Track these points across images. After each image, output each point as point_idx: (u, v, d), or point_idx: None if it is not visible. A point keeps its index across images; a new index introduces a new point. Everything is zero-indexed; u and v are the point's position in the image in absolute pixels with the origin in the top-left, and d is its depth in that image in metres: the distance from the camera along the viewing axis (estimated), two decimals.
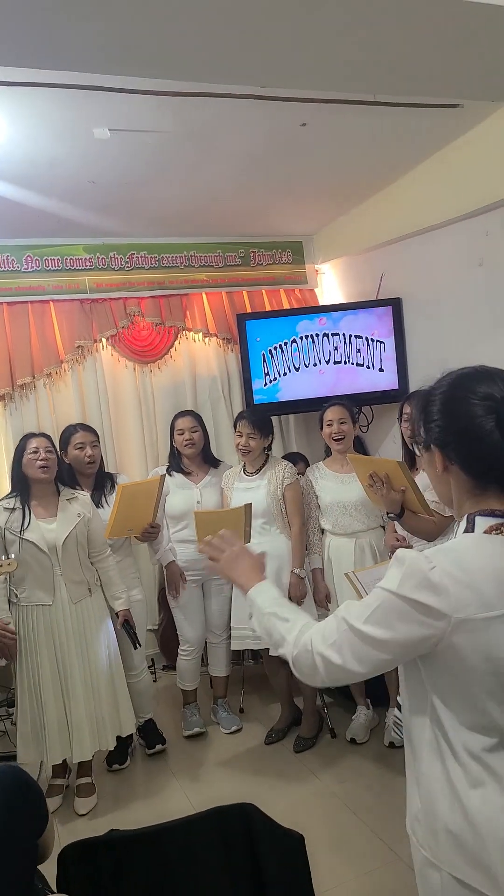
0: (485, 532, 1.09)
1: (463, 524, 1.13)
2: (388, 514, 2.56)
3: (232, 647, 3.23)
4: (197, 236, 4.27)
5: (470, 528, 1.11)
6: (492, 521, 1.09)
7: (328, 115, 2.81)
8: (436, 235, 3.56)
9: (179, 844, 1.25)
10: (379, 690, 3.18)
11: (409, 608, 1.05)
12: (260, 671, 3.80)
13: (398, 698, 2.51)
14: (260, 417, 3.18)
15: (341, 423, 3.01)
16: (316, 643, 1.14)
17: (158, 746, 3.17)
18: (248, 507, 2.85)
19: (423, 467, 1.25)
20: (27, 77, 2.25)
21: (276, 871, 1.29)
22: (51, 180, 3.12)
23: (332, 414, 3.03)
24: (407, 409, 2.72)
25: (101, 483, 3.10)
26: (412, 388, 3.96)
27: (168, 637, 3.92)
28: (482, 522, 1.10)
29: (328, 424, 3.03)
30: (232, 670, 3.52)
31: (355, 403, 3.28)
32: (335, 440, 3.02)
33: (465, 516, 1.13)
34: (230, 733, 3.32)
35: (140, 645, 2.94)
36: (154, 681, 3.76)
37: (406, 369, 4.01)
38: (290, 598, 2.99)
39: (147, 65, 2.13)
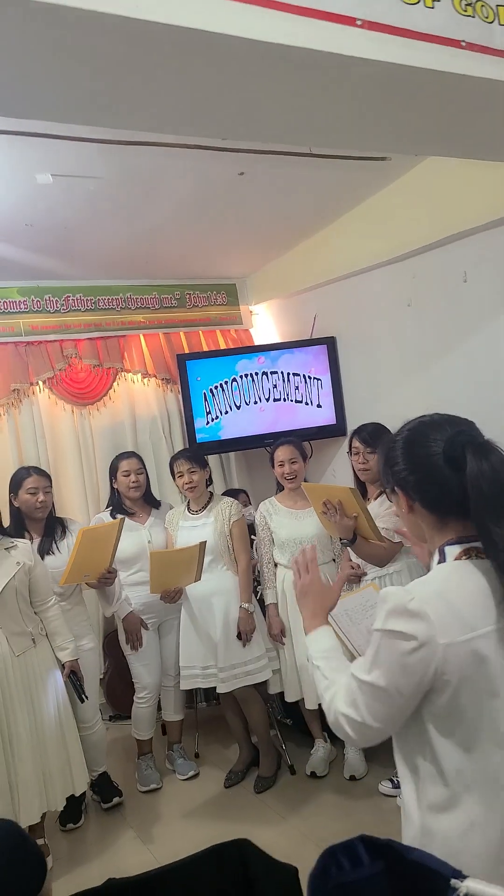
0: (455, 559, 1.16)
1: (436, 556, 1.20)
2: (341, 540, 2.62)
3: (182, 687, 3.17)
4: (133, 279, 4.32)
5: (442, 559, 1.18)
6: (458, 549, 1.17)
7: (265, 165, 2.95)
8: (366, 278, 3.76)
9: (181, 887, 1.22)
10: None
11: (397, 641, 1.09)
12: (213, 713, 3.74)
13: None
14: (193, 452, 3.23)
15: (292, 462, 3.07)
16: (338, 705, 1.17)
17: (115, 799, 3.04)
18: (203, 545, 2.85)
19: (395, 510, 1.32)
20: None
21: None
22: None
23: (282, 454, 3.09)
24: (356, 443, 2.83)
25: (52, 529, 3.01)
26: (349, 422, 4.11)
27: (113, 686, 3.80)
28: (451, 551, 1.17)
29: (279, 465, 3.09)
30: (185, 714, 3.45)
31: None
32: (287, 479, 3.09)
33: (437, 549, 1.20)
34: (187, 779, 3.24)
35: (87, 698, 2.81)
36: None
37: (343, 405, 4.15)
38: (238, 633, 2.99)
39: (92, 114, 2.17)
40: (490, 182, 2.85)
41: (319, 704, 2.95)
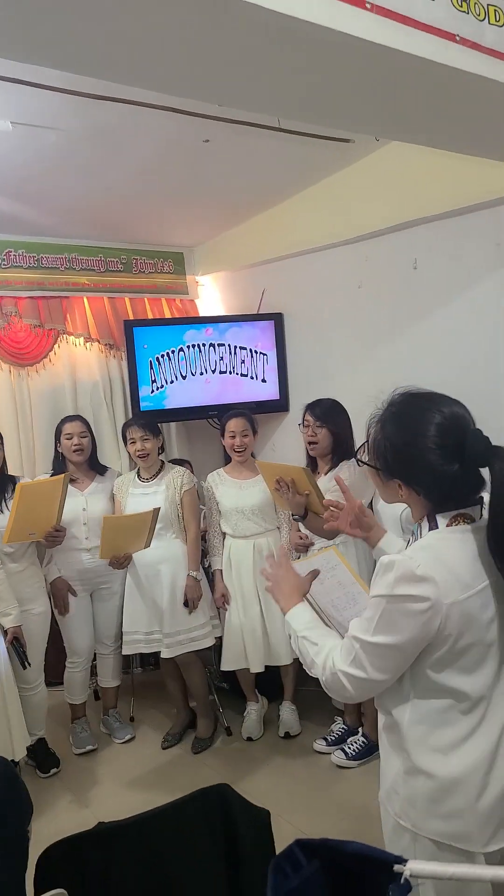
0: (447, 526, 1.26)
1: (426, 524, 1.28)
2: (293, 515, 2.71)
3: (124, 653, 3.20)
4: (78, 238, 4.19)
5: (434, 526, 1.27)
6: (448, 517, 1.26)
7: (231, 134, 2.94)
8: (318, 257, 3.82)
9: (169, 829, 1.27)
10: (270, 685, 3.32)
11: (407, 605, 1.18)
12: (148, 679, 3.79)
13: None
14: (147, 420, 3.23)
15: (244, 435, 3.13)
16: (338, 664, 1.25)
17: (53, 770, 3.04)
18: (156, 511, 2.87)
19: (376, 486, 1.37)
20: None
21: (249, 845, 1.35)
22: None
23: (234, 426, 3.13)
24: (307, 417, 2.91)
25: (3, 487, 2.94)
26: (292, 398, 4.20)
27: (46, 652, 3.76)
28: (442, 519, 1.26)
29: (231, 436, 3.13)
30: (121, 680, 3.47)
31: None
32: (237, 451, 3.13)
33: (426, 516, 1.28)
34: (123, 742, 3.28)
35: (29, 664, 2.79)
36: None
37: (287, 381, 4.22)
38: (185, 600, 3.04)
39: (61, 58, 2.05)
40: (448, 173, 2.96)
41: (267, 667, 3.09)
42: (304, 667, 1.37)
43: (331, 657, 1.27)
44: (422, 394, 1.30)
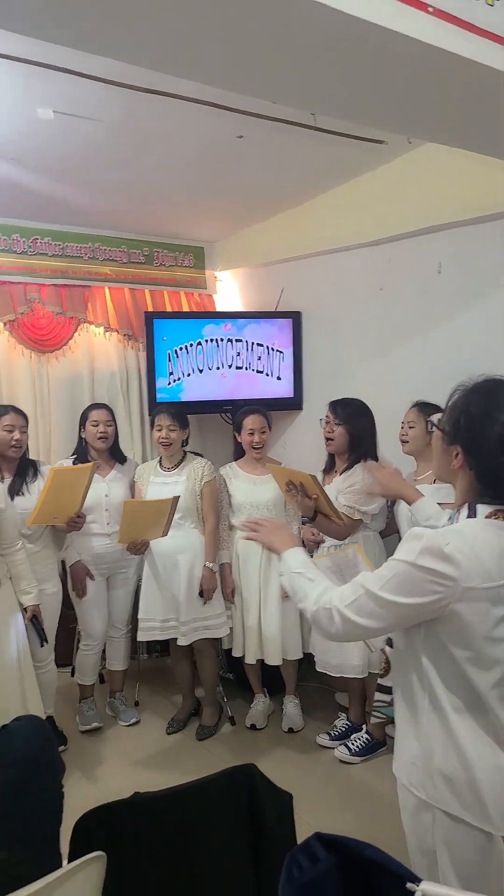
0: (486, 517, 1.30)
1: (465, 511, 1.33)
2: (302, 517, 2.76)
3: (139, 639, 3.24)
4: (102, 229, 4.23)
5: (472, 514, 1.32)
6: (490, 508, 1.31)
7: (266, 131, 2.98)
8: (340, 257, 3.86)
9: (198, 803, 1.31)
10: (275, 680, 3.37)
11: (424, 576, 1.22)
12: (154, 665, 3.83)
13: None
14: (178, 410, 3.25)
15: (262, 432, 3.18)
16: (335, 602, 1.30)
17: (61, 748, 3.07)
18: (176, 499, 2.91)
19: (433, 446, 1.43)
20: None
21: (272, 825, 1.39)
22: None
23: (252, 423, 3.18)
24: (329, 414, 2.95)
25: (24, 470, 2.98)
26: (306, 397, 4.25)
27: (56, 634, 3.80)
28: (482, 510, 1.31)
29: (249, 433, 3.17)
30: (128, 664, 3.52)
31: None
32: (255, 448, 3.17)
33: (467, 504, 1.33)
34: (129, 725, 3.32)
35: (47, 642, 2.85)
36: None
37: (301, 379, 4.27)
38: (200, 592, 3.08)
39: (108, 45, 2.07)
40: (476, 179, 3.00)
41: (260, 661, 3.14)
42: (293, 600, 1.42)
43: (328, 594, 1.33)
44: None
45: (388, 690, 2.66)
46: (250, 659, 3.20)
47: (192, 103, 2.68)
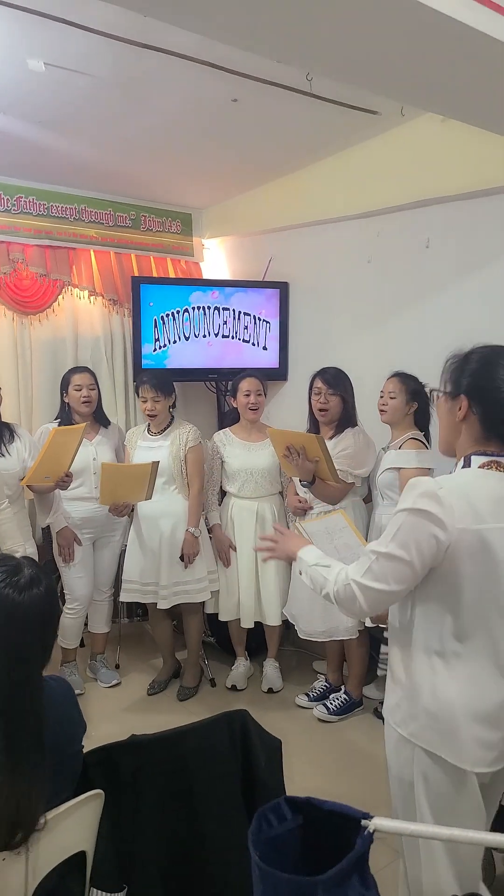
0: (479, 467, 1.36)
1: (461, 463, 1.39)
2: (301, 482, 2.80)
3: (121, 599, 3.29)
4: (88, 190, 4.16)
5: (467, 465, 1.38)
6: (484, 459, 1.37)
7: (260, 95, 2.94)
8: (329, 228, 3.86)
9: (194, 743, 1.36)
10: (254, 644, 3.44)
11: (422, 520, 1.30)
12: (134, 630, 3.88)
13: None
14: (161, 380, 3.25)
15: (258, 394, 3.20)
16: (352, 575, 1.36)
17: None
18: (156, 464, 2.93)
19: (439, 416, 1.48)
20: None
21: (263, 767, 1.45)
22: None
23: (248, 385, 3.20)
24: (318, 384, 2.98)
25: (0, 433, 2.97)
26: (291, 367, 4.27)
27: None
28: (477, 460, 1.37)
29: (245, 395, 3.20)
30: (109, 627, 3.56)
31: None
32: (251, 410, 3.20)
33: (464, 456, 1.39)
34: (109, 687, 3.38)
35: None
36: None
37: (287, 350, 4.28)
38: (181, 555, 3.12)
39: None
40: (467, 154, 3.02)
41: (256, 625, 3.21)
42: (316, 591, 1.48)
43: (344, 571, 1.40)
44: None
45: None
46: (248, 623, 3.25)
47: (188, 62, 2.64)
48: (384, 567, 1.32)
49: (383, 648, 2.83)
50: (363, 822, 1.08)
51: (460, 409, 1.39)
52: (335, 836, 1.10)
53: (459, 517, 1.30)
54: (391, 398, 2.86)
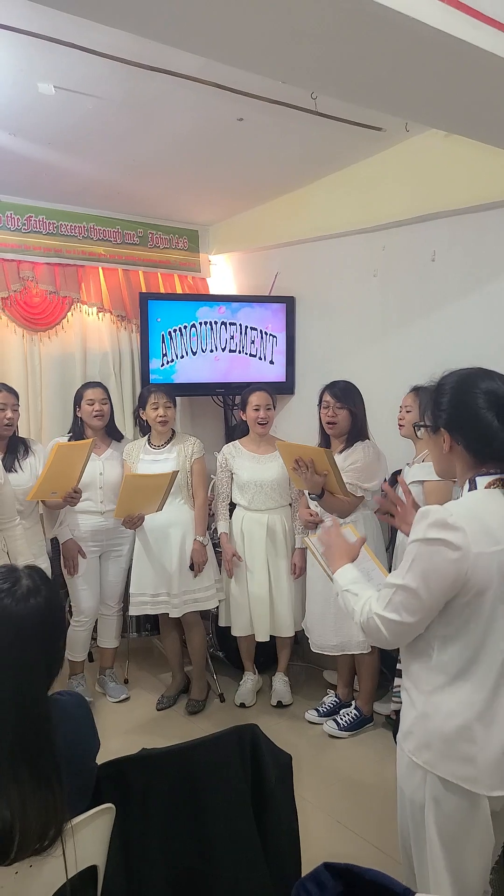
0: (485, 487, 1.36)
1: (466, 486, 1.38)
2: (310, 494, 2.81)
3: (130, 613, 3.30)
4: (96, 208, 4.23)
5: (473, 487, 1.37)
6: (489, 479, 1.37)
7: (265, 114, 2.99)
8: (334, 243, 3.89)
9: (205, 758, 1.36)
10: (262, 659, 3.43)
11: (436, 548, 1.28)
12: (143, 644, 3.88)
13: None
14: (167, 389, 3.29)
15: (267, 408, 3.22)
16: (374, 608, 1.36)
17: None
18: (175, 474, 2.96)
19: (428, 447, 1.49)
20: None
21: (273, 782, 1.45)
22: None
23: (258, 399, 3.22)
24: (327, 398, 2.99)
25: (14, 447, 3.00)
26: (298, 381, 4.29)
27: None
28: (482, 481, 1.37)
29: (255, 409, 3.22)
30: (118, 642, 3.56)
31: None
32: (260, 424, 3.22)
33: (468, 480, 1.38)
34: (118, 702, 3.37)
35: None
36: None
37: (294, 364, 4.30)
38: (191, 563, 3.12)
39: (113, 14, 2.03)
40: (471, 168, 3.05)
41: (251, 637, 3.20)
42: (348, 616, 1.46)
43: (368, 603, 1.38)
44: (475, 368, 1.43)
45: None
46: (262, 637, 3.25)
47: (194, 83, 2.69)
48: (405, 599, 1.31)
49: (396, 680, 2.80)
50: None
51: (444, 442, 1.39)
52: None
53: (474, 541, 1.28)
54: (407, 412, 2.86)
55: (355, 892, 1.09)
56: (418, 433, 1.60)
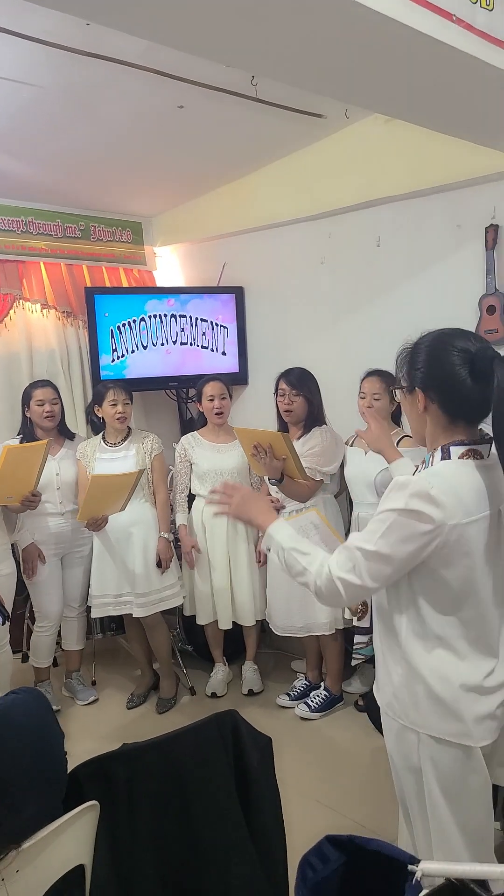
0: (459, 458, 1.38)
1: (438, 454, 1.41)
2: (269, 479, 2.81)
3: (93, 616, 3.24)
4: (35, 202, 4.11)
5: (446, 456, 1.40)
6: (462, 449, 1.39)
7: (206, 101, 2.96)
8: (281, 232, 3.90)
9: (187, 747, 1.35)
10: (232, 649, 3.44)
11: (415, 521, 1.30)
12: (109, 645, 3.83)
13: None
14: (126, 386, 3.23)
15: (222, 398, 3.20)
16: (334, 570, 1.35)
17: None
18: (141, 472, 2.92)
19: (404, 409, 1.50)
20: None
21: (255, 766, 1.45)
22: None
23: (213, 389, 3.20)
24: (283, 385, 3.00)
25: None
26: (251, 371, 4.28)
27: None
28: (455, 451, 1.39)
29: (209, 399, 3.19)
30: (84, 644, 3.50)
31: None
32: (216, 414, 3.20)
33: (440, 447, 1.41)
34: (87, 704, 3.32)
35: (9, 620, 2.81)
36: None
37: (246, 354, 4.30)
38: (158, 562, 3.10)
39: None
40: (413, 154, 3.09)
41: (227, 633, 3.20)
42: (288, 574, 1.45)
43: (326, 565, 1.37)
44: (452, 328, 1.44)
45: (364, 631, 2.78)
46: (225, 624, 3.24)
47: (134, 69, 2.64)
48: (371, 565, 1.32)
49: (357, 639, 2.85)
50: (410, 867, 1.03)
51: (419, 401, 1.41)
52: (379, 878, 1.07)
53: (451, 514, 1.30)
54: (375, 399, 2.78)
55: (359, 862, 1.10)
56: (396, 396, 1.62)
